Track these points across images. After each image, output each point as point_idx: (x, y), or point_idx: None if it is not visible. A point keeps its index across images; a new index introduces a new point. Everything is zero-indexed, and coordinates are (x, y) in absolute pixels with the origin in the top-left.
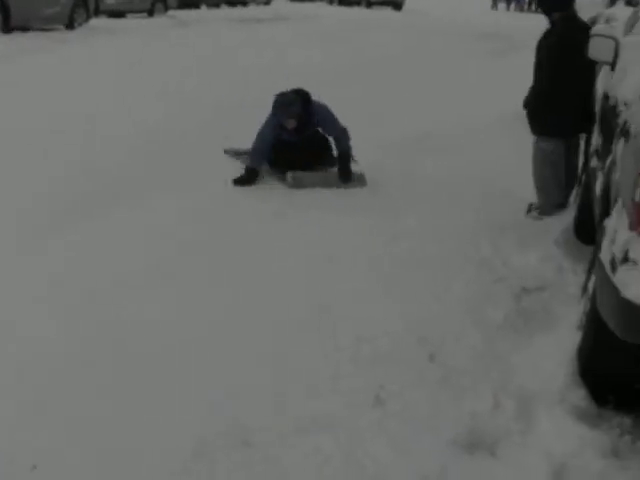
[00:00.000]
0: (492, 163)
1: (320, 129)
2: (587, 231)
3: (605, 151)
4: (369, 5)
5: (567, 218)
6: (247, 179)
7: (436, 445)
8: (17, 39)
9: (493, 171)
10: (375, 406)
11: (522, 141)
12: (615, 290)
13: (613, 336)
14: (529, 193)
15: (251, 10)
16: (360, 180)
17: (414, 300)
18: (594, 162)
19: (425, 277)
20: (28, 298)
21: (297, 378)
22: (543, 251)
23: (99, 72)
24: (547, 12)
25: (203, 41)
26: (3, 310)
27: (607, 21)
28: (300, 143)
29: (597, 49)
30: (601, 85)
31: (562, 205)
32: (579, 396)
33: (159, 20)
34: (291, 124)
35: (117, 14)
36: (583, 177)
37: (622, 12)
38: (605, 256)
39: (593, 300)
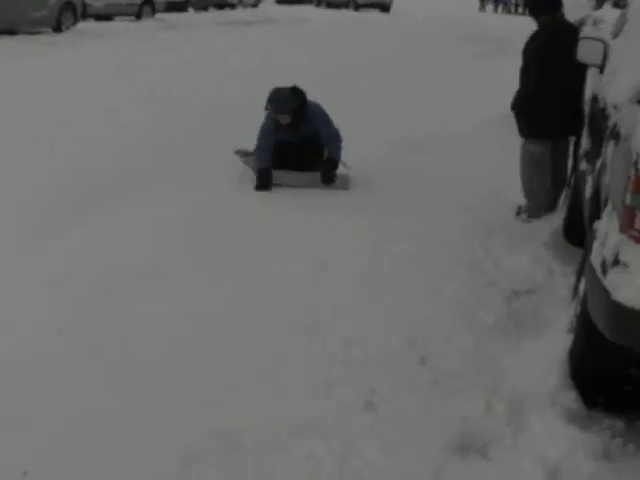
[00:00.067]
0: (479, 165)
1: (313, 127)
2: (576, 233)
3: (595, 154)
4: (357, 7)
5: (556, 220)
6: (265, 180)
7: (428, 449)
8: (4, 42)
9: (480, 173)
10: (367, 410)
11: (509, 143)
12: (606, 293)
13: (604, 338)
14: (516, 195)
15: (239, 13)
16: (343, 183)
17: (405, 302)
18: (583, 164)
19: (416, 279)
20: (34, 291)
21: (289, 382)
22: (533, 253)
23: (87, 76)
24: (535, 14)
25: (191, 44)
26: (7, 303)
27: (595, 23)
28: (297, 144)
29: (586, 52)
30: (590, 87)
31: (551, 207)
32: (570, 398)
33: (146, 23)
34: (285, 119)
35: (104, 17)
36: (572, 179)
37: (610, 14)
38: (596, 259)
39: (584, 303)
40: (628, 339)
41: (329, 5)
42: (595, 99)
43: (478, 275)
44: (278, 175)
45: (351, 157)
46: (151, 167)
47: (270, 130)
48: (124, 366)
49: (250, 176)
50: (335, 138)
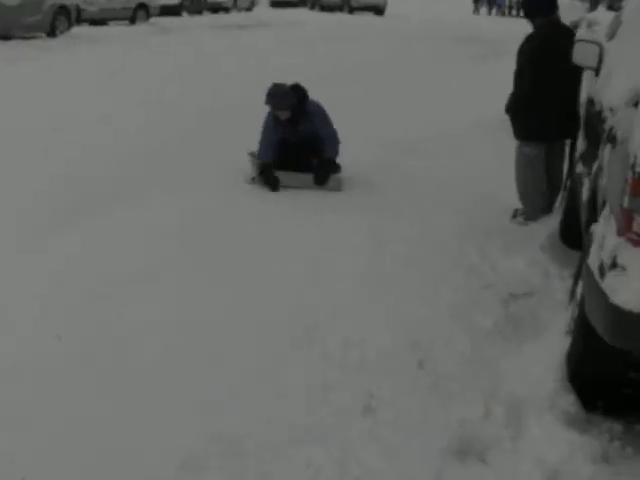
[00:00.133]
0: (473, 168)
1: (312, 126)
2: (573, 236)
3: (591, 156)
4: (351, 10)
5: (552, 223)
6: (265, 176)
7: (428, 452)
8: None
9: (474, 175)
10: (366, 414)
11: (503, 146)
12: (604, 296)
13: (602, 341)
14: (511, 198)
15: (233, 17)
16: (336, 185)
17: (403, 304)
18: (580, 167)
19: (414, 282)
20: (29, 296)
21: (289, 385)
22: (529, 257)
23: (81, 80)
24: (531, 17)
25: (185, 48)
26: (3, 309)
27: (589, 25)
28: (295, 144)
29: (581, 54)
30: (585, 90)
31: (547, 210)
32: (568, 402)
33: (141, 28)
34: (284, 115)
35: (99, 22)
36: (568, 182)
37: (604, 16)
38: (593, 262)
39: (581, 306)
40: (626, 342)
41: (323, 8)
42: (591, 102)
43: (475, 278)
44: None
45: (345, 160)
46: (145, 171)
47: (271, 127)
48: (119, 370)
49: (245, 177)
50: (333, 138)
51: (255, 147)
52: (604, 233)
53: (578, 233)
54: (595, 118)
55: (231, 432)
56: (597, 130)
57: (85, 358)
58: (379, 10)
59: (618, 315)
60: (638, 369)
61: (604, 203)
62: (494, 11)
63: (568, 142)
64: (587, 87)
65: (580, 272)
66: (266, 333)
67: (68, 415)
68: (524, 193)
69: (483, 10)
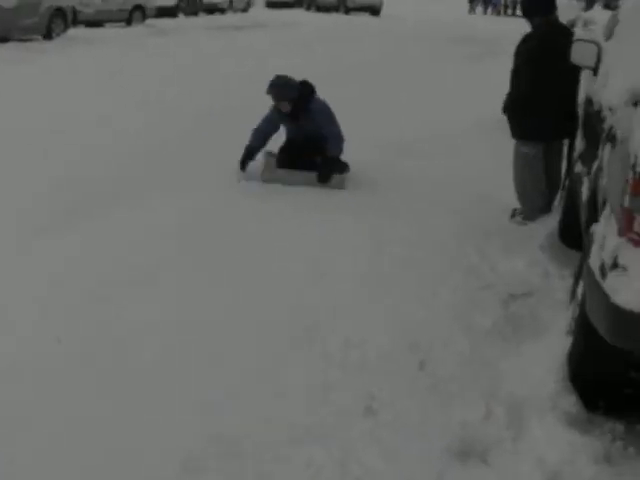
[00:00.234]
0: (470, 168)
1: (315, 123)
2: (572, 235)
3: (590, 156)
4: (347, 11)
5: (551, 223)
6: (243, 156)
7: (428, 454)
8: None
9: (471, 176)
10: (366, 415)
11: (499, 146)
12: (605, 296)
13: (603, 341)
14: (509, 198)
15: (229, 18)
16: (339, 183)
17: (402, 306)
18: (579, 167)
19: (413, 283)
20: (28, 298)
21: (289, 386)
22: (529, 256)
23: (79, 82)
24: (529, 16)
25: (182, 50)
26: (2, 310)
27: (585, 24)
28: (299, 142)
29: (579, 54)
30: (583, 90)
31: (545, 210)
32: (570, 402)
33: (137, 29)
34: (284, 107)
35: (95, 24)
36: (567, 181)
37: (600, 15)
38: (594, 262)
39: (582, 306)
40: (628, 342)
41: (319, 9)
42: (589, 101)
43: (474, 278)
44: (278, 173)
45: (343, 160)
46: (144, 173)
47: (270, 119)
48: (118, 371)
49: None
50: (336, 137)
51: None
52: (605, 233)
53: (577, 233)
54: (594, 118)
55: (230, 432)
56: (596, 130)
57: (84, 359)
58: (375, 10)
59: (619, 315)
60: (639, 369)
61: (604, 203)
62: (490, 10)
63: (566, 141)
64: (585, 87)
65: (580, 272)
66: (265, 334)
67: (67, 416)
68: (522, 193)
69: (479, 9)
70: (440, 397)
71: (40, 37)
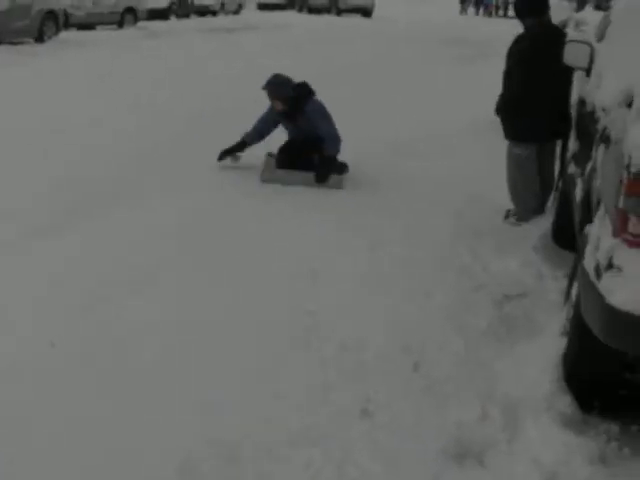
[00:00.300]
0: (464, 168)
1: (311, 124)
2: (565, 236)
3: (584, 157)
4: (339, 12)
5: (545, 223)
6: (232, 147)
7: (424, 455)
8: None
9: (466, 175)
10: (363, 417)
11: (493, 146)
12: (600, 297)
13: (598, 342)
14: (502, 198)
15: (220, 20)
16: (337, 183)
17: (396, 307)
18: (572, 168)
19: (406, 284)
20: (28, 298)
21: (288, 387)
22: (522, 257)
23: (71, 85)
24: (522, 17)
25: (174, 52)
26: (2, 310)
27: (577, 25)
28: (297, 142)
29: (572, 55)
30: (576, 90)
31: (539, 210)
32: (565, 403)
33: (129, 32)
34: (278, 106)
35: (86, 26)
36: (560, 182)
37: (592, 16)
38: (589, 263)
39: (577, 307)
40: (623, 343)
41: (311, 10)
42: (582, 102)
43: (467, 279)
44: (278, 173)
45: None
46: (144, 173)
47: (266, 118)
48: (118, 371)
49: (238, 179)
50: (333, 137)
51: (258, 150)
52: (599, 234)
53: (570, 234)
54: (587, 118)
55: (229, 433)
56: (590, 130)
57: (84, 359)
58: (367, 12)
59: (614, 316)
60: (634, 370)
61: (598, 204)
62: (481, 11)
63: (559, 143)
64: (578, 87)
65: (575, 273)
66: (265, 334)
67: (67, 416)
68: (516, 194)
69: (470, 10)
70: (435, 398)
71: (32, 40)
